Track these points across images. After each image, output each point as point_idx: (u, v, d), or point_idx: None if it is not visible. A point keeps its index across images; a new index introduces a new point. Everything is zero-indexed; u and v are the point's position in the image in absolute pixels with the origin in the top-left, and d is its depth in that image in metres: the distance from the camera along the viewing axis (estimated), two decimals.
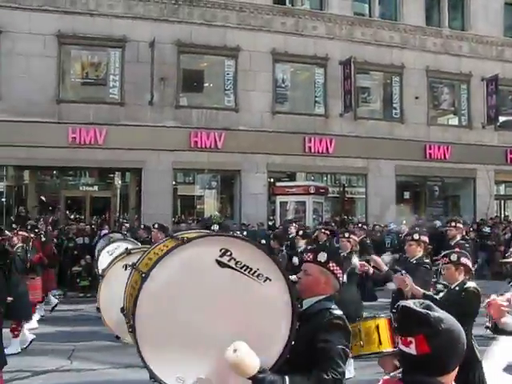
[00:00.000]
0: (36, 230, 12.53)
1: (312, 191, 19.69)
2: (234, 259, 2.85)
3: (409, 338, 1.93)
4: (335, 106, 20.71)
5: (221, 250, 2.82)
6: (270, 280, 2.91)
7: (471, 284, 5.04)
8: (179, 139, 18.74)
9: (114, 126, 18.29)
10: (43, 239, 12.74)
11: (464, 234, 10.81)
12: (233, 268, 2.85)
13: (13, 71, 17.83)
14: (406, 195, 23.03)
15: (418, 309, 1.95)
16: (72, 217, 19.70)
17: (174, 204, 19.66)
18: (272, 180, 20.49)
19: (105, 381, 7.59)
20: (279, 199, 19.97)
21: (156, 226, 9.26)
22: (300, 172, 21.38)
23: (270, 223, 19.58)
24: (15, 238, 9.95)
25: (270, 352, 2.89)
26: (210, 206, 20.71)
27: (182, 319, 2.76)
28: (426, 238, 6.89)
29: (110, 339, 9.81)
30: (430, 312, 1.94)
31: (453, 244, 8.88)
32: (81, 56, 19.22)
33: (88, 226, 17.11)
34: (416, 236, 6.88)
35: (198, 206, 20.75)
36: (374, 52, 21.13)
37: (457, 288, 4.99)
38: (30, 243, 10.70)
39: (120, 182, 20.51)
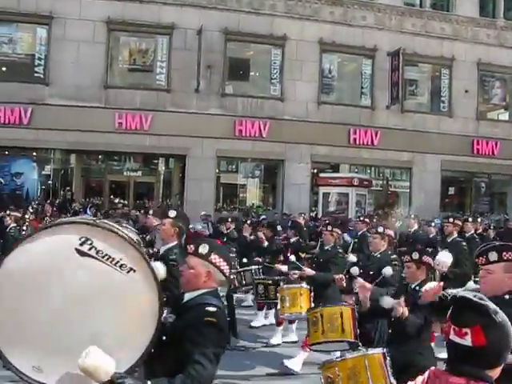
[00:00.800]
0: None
1: (355, 183, 19.47)
2: (95, 248, 2.72)
3: (464, 329, 1.89)
4: (382, 97, 20.39)
5: (81, 239, 2.70)
6: (135, 271, 2.77)
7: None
8: (224, 127, 18.76)
9: (160, 113, 18.44)
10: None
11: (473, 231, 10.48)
12: (93, 257, 2.71)
13: (63, 57, 18.14)
14: (451, 191, 22.59)
15: (477, 300, 1.91)
16: (116, 201, 19.92)
17: (217, 192, 19.72)
18: (315, 171, 20.35)
19: None
20: (322, 190, 19.80)
21: (151, 212, 9.28)
22: (344, 164, 21.14)
23: (312, 214, 19.45)
24: (8, 218, 10.18)
25: (134, 346, 2.73)
26: (253, 195, 20.69)
27: (36, 308, 2.63)
28: (390, 232, 6.63)
29: None
30: (488, 303, 1.90)
31: (449, 241, 8.76)
32: (129, 42, 19.40)
33: (133, 211, 17.29)
34: (380, 229, 6.57)
35: (241, 195, 20.76)
36: (423, 43, 20.66)
37: (417, 288, 4.66)
38: (26, 223, 10.95)
39: (164, 168, 20.66)
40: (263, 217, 16.19)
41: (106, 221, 3.10)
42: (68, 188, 19.52)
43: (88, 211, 17.18)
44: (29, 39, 18.87)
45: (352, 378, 4.08)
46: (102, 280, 2.72)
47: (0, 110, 17.96)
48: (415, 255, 4.84)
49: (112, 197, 20.21)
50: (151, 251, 8.48)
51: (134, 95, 18.55)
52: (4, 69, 18.89)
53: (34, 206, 16.17)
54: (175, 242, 5.33)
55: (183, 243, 5.52)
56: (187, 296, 3.08)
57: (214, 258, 3.07)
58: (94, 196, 19.91)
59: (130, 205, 18.95)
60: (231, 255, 10.43)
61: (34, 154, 19.58)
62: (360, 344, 5.37)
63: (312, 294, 7.11)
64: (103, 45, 18.64)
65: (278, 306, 7.58)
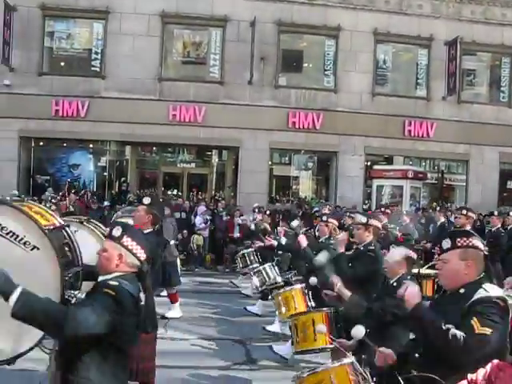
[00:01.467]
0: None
1: (410, 176, 19.13)
2: (1, 225, 2.92)
3: None
4: (438, 88, 19.89)
5: None
6: (38, 249, 2.91)
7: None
8: (277, 119, 18.72)
9: (214, 105, 18.53)
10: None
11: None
12: None
13: (118, 51, 18.47)
14: (510, 184, 21.89)
15: None
16: (169, 192, 20.17)
17: (270, 184, 19.70)
18: (369, 163, 20.08)
19: (194, 351, 7.87)
20: (376, 183, 19.54)
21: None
22: (398, 156, 20.76)
23: (365, 207, 19.23)
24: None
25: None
26: (306, 187, 20.60)
27: None
28: (376, 222, 6.02)
29: (201, 312, 10.20)
30: None
31: None
32: (183, 35, 19.55)
33: (187, 202, 17.48)
34: (363, 219, 5.93)
35: (294, 187, 20.69)
36: (482, 31, 19.98)
37: (394, 284, 4.47)
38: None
39: (217, 159, 20.79)
40: (316, 209, 16.08)
41: (29, 202, 3.37)
42: (123, 179, 19.89)
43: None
44: (86, 34, 19.29)
45: None
46: (2, 254, 2.94)
47: (59, 103, 18.44)
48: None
49: (165, 188, 20.48)
50: None
51: (188, 87, 18.70)
52: (62, 63, 19.40)
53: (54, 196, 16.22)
54: (150, 229, 5.39)
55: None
56: (100, 278, 3.13)
57: (126, 240, 3.11)
58: (148, 187, 20.26)
59: (183, 196, 19.15)
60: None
61: (91, 145, 20.06)
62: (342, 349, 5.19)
63: (309, 291, 6.81)
64: (157, 38, 18.86)
65: (277, 313, 7.42)
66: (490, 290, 3.05)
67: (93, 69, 18.99)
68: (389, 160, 20.86)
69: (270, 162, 19.56)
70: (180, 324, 9.23)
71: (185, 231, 15.97)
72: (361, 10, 19.44)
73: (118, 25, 18.67)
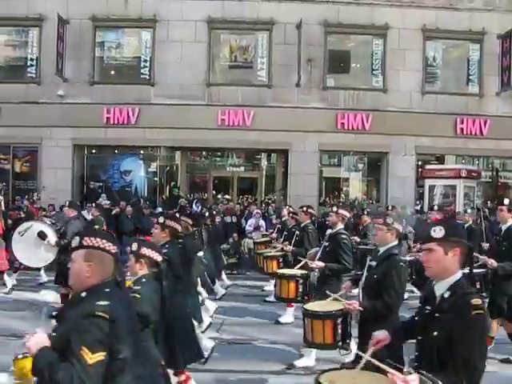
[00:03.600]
0: None
1: (463, 175, 18.62)
2: None
3: None
4: (491, 84, 19.34)
5: None
6: None
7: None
8: (326, 121, 18.60)
9: (262, 108, 18.57)
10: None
11: None
12: None
13: (167, 57, 18.74)
14: None
15: None
16: (219, 196, 20.30)
17: (320, 186, 19.59)
18: (420, 163, 19.72)
19: (250, 353, 7.88)
20: (428, 183, 19.13)
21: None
22: (449, 155, 20.30)
23: (417, 207, 18.89)
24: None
25: None
26: (356, 188, 20.37)
27: None
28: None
29: (255, 315, 10.20)
30: None
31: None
32: (229, 40, 19.64)
33: (238, 206, 17.55)
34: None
35: (344, 189, 20.51)
36: None
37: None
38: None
39: (266, 163, 20.79)
40: (368, 210, 15.89)
41: None
42: (173, 183, 20.13)
43: (194, 206, 17.67)
44: (135, 43, 19.65)
45: None
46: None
47: (110, 111, 18.85)
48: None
49: (215, 192, 20.62)
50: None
51: (236, 92, 18.79)
52: (112, 72, 19.79)
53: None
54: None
55: None
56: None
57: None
58: (199, 191, 20.46)
59: (233, 200, 19.25)
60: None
61: (141, 152, 20.37)
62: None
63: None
64: (205, 44, 19.04)
65: None
66: None
67: (142, 76, 19.32)
68: (440, 159, 20.41)
69: (319, 164, 19.45)
70: (234, 328, 9.26)
71: (235, 234, 16.06)
72: (408, 7, 19.11)
73: (165, 32, 18.94)
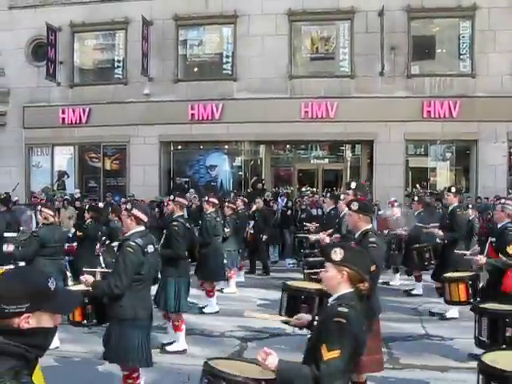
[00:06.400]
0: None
1: None
2: None
3: None
4: None
5: None
6: None
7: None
8: (411, 109, 18.14)
9: (345, 99, 18.38)
10: None
11: None
12: None
13: (248, 52, 18.89)
14: None
15: None
16: (303, 189, 20.25)
17: (406, 177, 19.13)
18: None
19: None
20: None
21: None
22: None
23: (511, 196, 18.05)
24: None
25: None
26: (444, 178, 19.71)
27: None
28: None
29: None
30: None
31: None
32: (310, 31, 19.50)
33: (322, 198, 17.44)
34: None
35: (431, 179, 19.91)
36: None
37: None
38: None
39: (351, 154, 20.52)
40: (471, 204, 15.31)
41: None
42: (256, 177, 20.25)
43: (279, 200, 17.75)
44: (216, 39, 19.93)
45: None
46: None
47: (194, 107, 19.26)
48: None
49: (300, 185, 20.60)
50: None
51: (318, 83, 18.67)
52: (196, 69, 20.17)
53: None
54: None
55: None
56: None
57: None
58: (283, 185, 20.51)
59: (318, 192, 19.17)
60: None
61: (226, 146, 20.66)
62: None
63: None
64: (285, 36, 19.03)
65: None
66: None
67: (224, 72, 19.59)
68: None
69: (405, 154, 19.00)
70: None
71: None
72: None
73: (246, 27, 19.08)
